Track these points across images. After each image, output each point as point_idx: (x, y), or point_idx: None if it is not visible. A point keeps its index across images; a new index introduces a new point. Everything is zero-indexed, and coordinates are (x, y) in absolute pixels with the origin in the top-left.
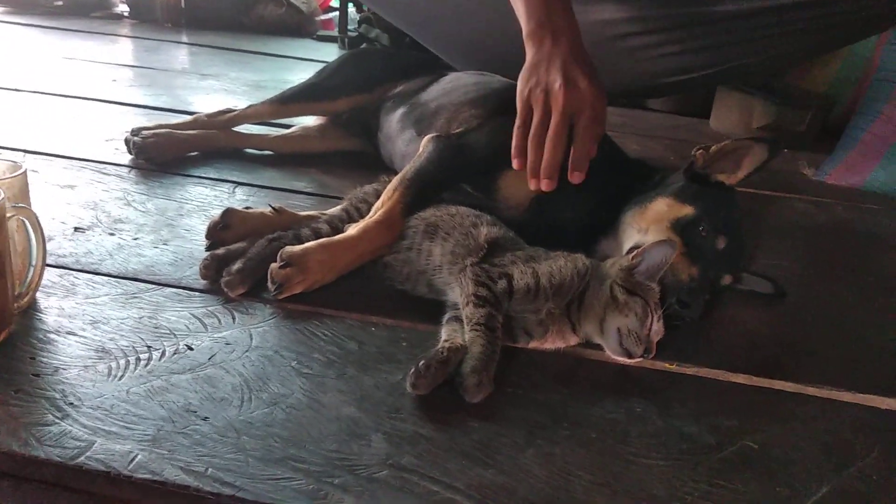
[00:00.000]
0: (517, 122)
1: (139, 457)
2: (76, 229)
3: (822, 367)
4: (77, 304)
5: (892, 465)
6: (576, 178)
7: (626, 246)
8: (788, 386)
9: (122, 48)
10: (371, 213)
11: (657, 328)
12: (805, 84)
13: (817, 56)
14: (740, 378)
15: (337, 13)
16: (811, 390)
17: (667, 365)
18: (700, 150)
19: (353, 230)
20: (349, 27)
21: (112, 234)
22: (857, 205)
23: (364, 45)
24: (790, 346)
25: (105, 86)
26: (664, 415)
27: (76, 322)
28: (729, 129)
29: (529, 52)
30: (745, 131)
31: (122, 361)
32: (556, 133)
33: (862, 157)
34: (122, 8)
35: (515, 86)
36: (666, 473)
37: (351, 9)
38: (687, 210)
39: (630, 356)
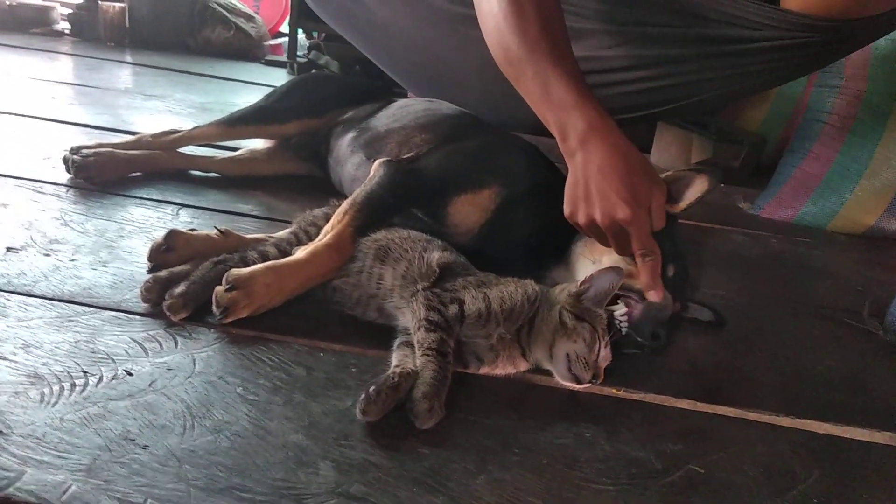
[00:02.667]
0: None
1: (73, 487)
2: (8, 249)
3: (762, 393)
4: (8, 326)
5: (831, 487)
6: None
7: (580, 276)
8: (730, 411)
9: (63, 66)
10: (320, 237)
11: (605, 354)
12: (739, 122)
13: (758, 93)
14: (685, 403)
15: (286, 39)
16: (752, 415)
17: (614, 391)
18: None
19: (301, 253)
20: (298, 53)
21: (47, 255)
22: (790, 237)
23: (313, 71)
24: (731, 373)
25: (43, 103)
26: (612, 440)
27: (6, 346)
28: (669, 163)
29: (569, 168)
30: (685, 165)
31: (56, 387)
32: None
33: (793, 193)
34: (63, 25)
35: (465, 113)
36: (615, 499)
37: (300, 35)
38: None
39: (579, 382)
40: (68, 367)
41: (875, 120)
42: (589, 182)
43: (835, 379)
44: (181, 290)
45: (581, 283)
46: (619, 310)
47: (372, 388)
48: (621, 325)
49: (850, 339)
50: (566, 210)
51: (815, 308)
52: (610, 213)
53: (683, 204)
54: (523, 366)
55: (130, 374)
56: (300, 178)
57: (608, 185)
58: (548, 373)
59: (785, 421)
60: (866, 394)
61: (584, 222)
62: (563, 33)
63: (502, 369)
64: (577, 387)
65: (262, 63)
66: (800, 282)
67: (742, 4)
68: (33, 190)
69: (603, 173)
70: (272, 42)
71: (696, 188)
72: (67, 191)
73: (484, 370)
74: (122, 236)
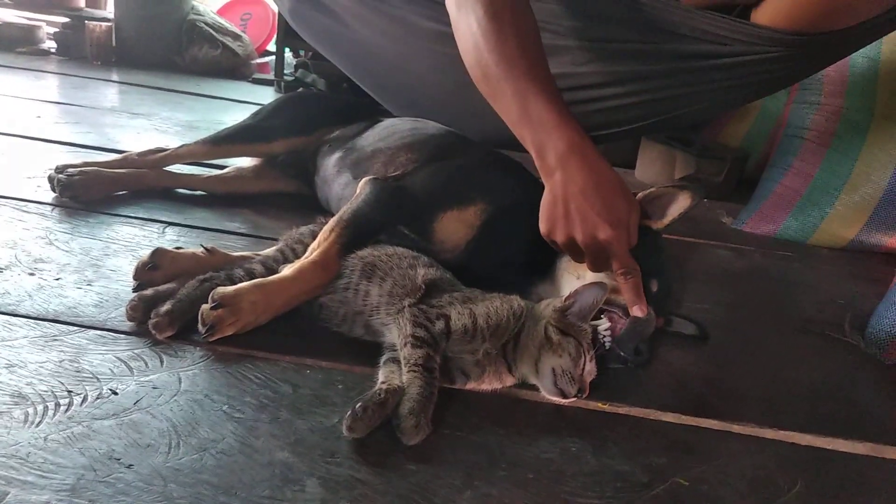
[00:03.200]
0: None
1: None
2: None
3: (746, 406)
4: None
5: (814, 498)
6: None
7: (565, 291)
8: (715, 424)
9: (48, 84)
10: (307, 254)
11: (590, 368)
12: (721, 138)
13: (737, 108)
14: (669, 417)
15: (273, 57)
16: (736, 428)
17: (600, 405)
18: None
19: (288, 270)
20: (285, 71)
21: (32, 274)
22: (772, 251)
23: (301, 90)
24: (715, 386)
25: (29, 122)
26: (598, 454)
27: None
28: (653, 179)
29: (546, 187)
30: (669, 181)
31: (40, 407)
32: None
33: (775, 208)
34: (49, 44)
35: (450, 132)
36: None
37: (287, 54)
38: None
39: (564, 396)
40: (53, 386)
41: (854, 135)
42: (569, 201)
43: (818, 391)
44: (167, 308)
45: (566, 299)
46: (603, 324)
47: (358, 405)
48: (605, 339)
49: (832, 351)
50: (543, 228)
51: (798, 321)
52: (591, 232)
53: (667, 220)
54: (509, 381)
55: (115, 393)
56: (287, 195)
57: (589, 205)
58: (534, 387)
59: (769, 433)
60: (849, 406)
61: (562, 240)
62: (540, 52)
63: (488, 384)
64: (563, 401)
65: (249, 81)
66: (782, 295)
67: (713, 20)
68: (18, 209)
69: (584, 194)
70: (259, 60)
71: (680, 204)
72: (52, 210)
73: (470, 385)
74: (107, 255)
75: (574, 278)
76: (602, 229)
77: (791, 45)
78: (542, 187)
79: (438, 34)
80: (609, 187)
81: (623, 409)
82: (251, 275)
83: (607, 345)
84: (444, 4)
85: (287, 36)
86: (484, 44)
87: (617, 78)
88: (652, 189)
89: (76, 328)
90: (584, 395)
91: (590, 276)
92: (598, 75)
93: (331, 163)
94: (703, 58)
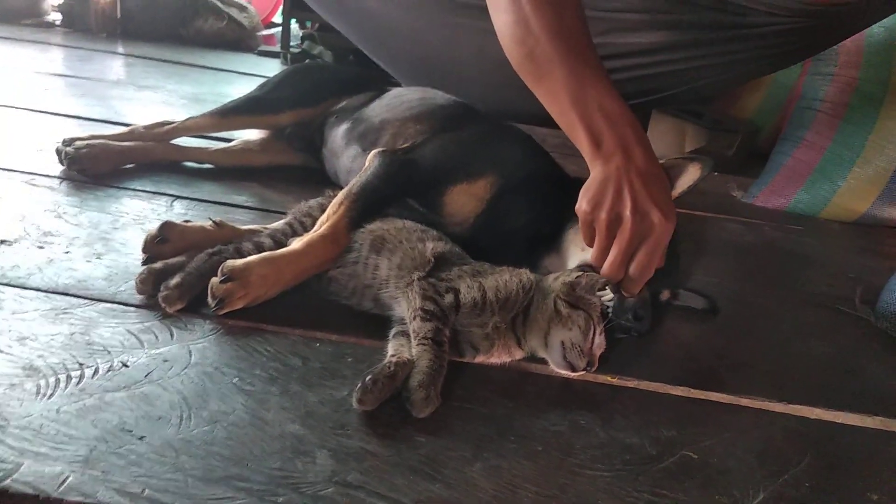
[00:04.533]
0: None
1: (70, 479)
2: (2, 242)
3: (754, 379)
4: (3, 319)
5: (822, 471)
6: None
7: (571, 264)
8: (724, 397)
9: (54, 57)
10: (316, 227)
11: (599, 341)
12: (733, 111)
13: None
14: (678, 390)
15: (279, 29)
16: (745, 401)
17: (608, 378)
18: None
19: (297, 244)
20: (291, 43)
21: (41, 248)
22: (783, 225)
23: (306, 61)
24: (724, 359)
25: (36, 95)
26: (607, 427)
27: (2, 338)
28: (663, 152)
29: (595, 169)
30: (679, 154)
31: (52, 379)
32: (616, 263)
33: (786, 181)
34: (54, 16)
35: (459, 102)
36: (610, 484)
37: (294, 25)
38: None
39: (573, 369)
40: (64, 359)
41: (868, 108)
42: (626, 184)
43: (827, 365)
44: (176, 281)
45: (574, 272)
46: (607, 296)
47: (368, 378)
48: (609, 310)
49: (842, 325)
50: (585, 206)
51: (808, 295)
52: (644, 210)
53: (677, 192)
54: (518, 354)
55: (126, 366)
56: (294, 168)
57: (647, 192)
58: (543, 361)
59: (777, 407)
60: (858, 379)
61: (606, 216)
62: (588, 32)
63: (497, 358)
64: (572, 374)
65: (255, 53)
66: (793, 269)
67: None
68: (26, 182)
69: (644, 180)
70: (265, 32)
71: (689, 176)
72: (60, 183)
73: (479, 359)
74: (116, 228)
75: (580, 251)
76: (656, 214)
77: (812, 16)
78: (551, 160)
79: (454, 5)
80: (665, 184)
81: (632, 383)
82: (260, 248)
83: (611, 315)
84: None
85: (293, 7)
86: (536, 19)
87: (634, 49)
88: (662, 161)
89: (86, 301)
90: (594, 369)
91: None
92: (615, 46)
93: (338, 134)
94: (724, 28)
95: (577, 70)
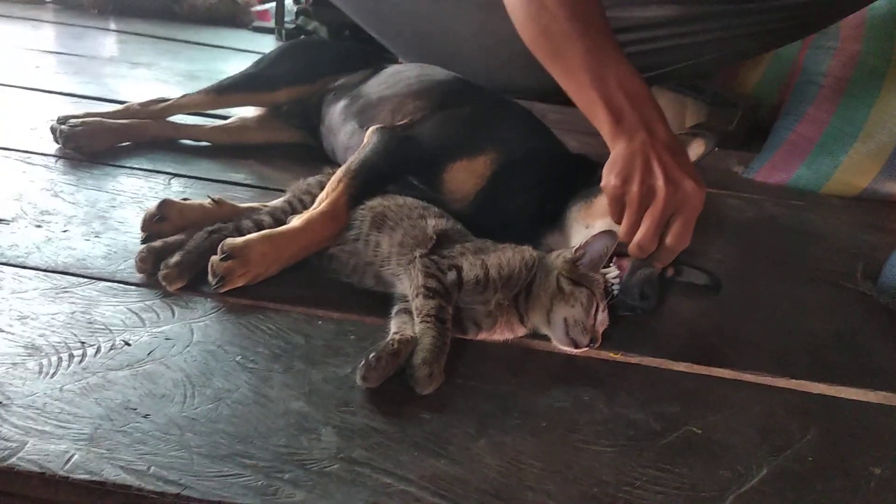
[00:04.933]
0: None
1: (76, 456)
2: None
3: (758, 355)
4: (3, 298)
5: (825, 447)
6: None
7: (575, 241)
8: (727, 373)
9: (46, 34)
10: (316, 205)
11: (602, 318)
12: (734, 85)
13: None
14: (681, 366)
15: (273, 4)
16: (748, 377)
17: (612, 354)
18: None
19: (297, 221)
20: (286, 19)
21: (39, 227)
22: (784, 201)
23: (302, 37)
24: (727, 335)
25: (28, 72)
26: (611, 403)
27: (2, 318)
28: None
29: (619, 146)
30: (679, 129)
31: (54, 358)
32: (649, 236)
33: (788, 156)
34: None
35: (458, 78)
36: (614, 460)
37: (288, 0)
38: None
39: (576, 346)
40: (66, 337)
41: (870, 81)
42: (654, 156)
43: (829, 340)
44: (176, 259)
45: (576, 249)
46: (612, 272)
47: (371, 355)
48: (613, 287)
49: (844, 300)
50: (614, 180)
51: (810, 270)
52: (677, 182)
53: None
54: (521, 331)
55: (129, 345)
56: (292, 146)
57: (676, 163)
58: (546, 338)
59: (780, 382)
60: (860, 354)
61: (637, 189)
62: (602, 8)
63: (500, 335)
64: (575, 351)
65: (249, 29)
66: (794, 245)
67: None
68: (22, 161)
69: (672, 152)
70: (259, 8)
71: (693, 150)
72: (56, 161)
73: (482, 336)
74: (113, 206)
75: (583, 227)
76: (689, 184)
77: None
78: (553, 136)
79: None
80: (688, 156)
81: (635, 359)
82: (260, 226)
83: (615, 292)
84: None
85: None
86: None
87: (641, 23)
88: None
89: (86, 280)
90: (597, 346)
91: (599, 226)
92: (621, 20)
93: (336, 111)
94: (730, 2)
95: (595, 47)
